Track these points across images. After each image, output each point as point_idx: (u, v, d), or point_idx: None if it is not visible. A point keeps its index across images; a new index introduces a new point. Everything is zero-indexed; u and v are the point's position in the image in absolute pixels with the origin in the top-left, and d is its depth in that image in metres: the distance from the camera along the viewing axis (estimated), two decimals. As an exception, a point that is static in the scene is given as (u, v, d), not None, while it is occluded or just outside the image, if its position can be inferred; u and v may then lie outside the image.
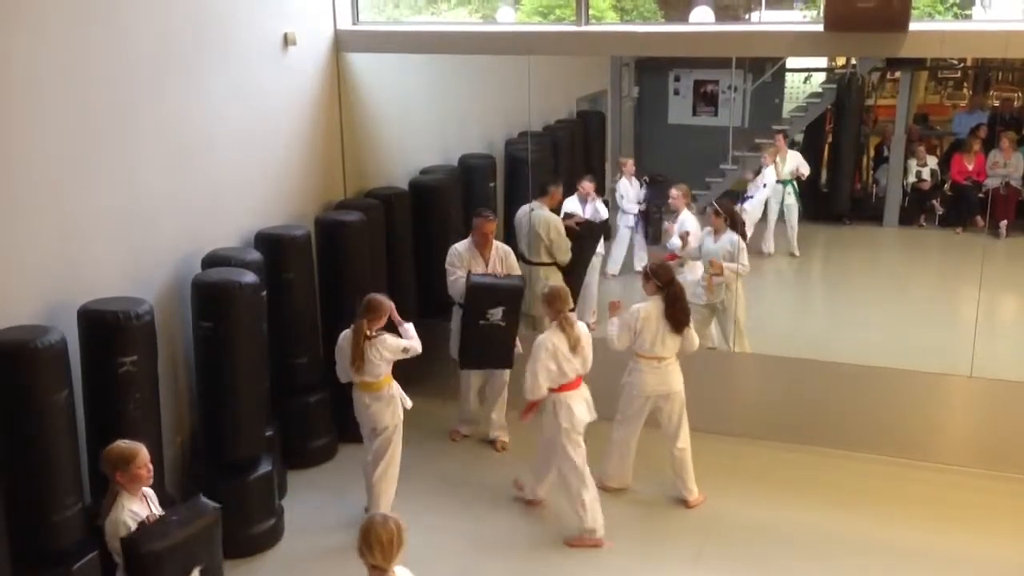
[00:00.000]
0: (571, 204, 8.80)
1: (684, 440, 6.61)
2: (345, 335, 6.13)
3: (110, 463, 4.42)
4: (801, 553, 6.11)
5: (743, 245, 7.92)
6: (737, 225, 7.99)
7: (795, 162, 9.92)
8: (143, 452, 4.46)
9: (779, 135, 9.89)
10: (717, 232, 7.96)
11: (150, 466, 4.49)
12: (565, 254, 8.08)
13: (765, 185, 9.61)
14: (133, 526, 4.37)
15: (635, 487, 6.83)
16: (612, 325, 6.46)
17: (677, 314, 6.36)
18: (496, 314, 6.96)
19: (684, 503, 6.65)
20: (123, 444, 4.49)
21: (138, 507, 4.44)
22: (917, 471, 7.07)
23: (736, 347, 7.97)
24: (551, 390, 6.08)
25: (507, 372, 7.37)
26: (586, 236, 8.37)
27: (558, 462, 6.18)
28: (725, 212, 7.95)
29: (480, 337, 7.04)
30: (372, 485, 6.24)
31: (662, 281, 6.37)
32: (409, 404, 6.28)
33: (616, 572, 5.98)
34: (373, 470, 6.24)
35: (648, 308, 6.39)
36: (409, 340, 6.19)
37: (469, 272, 7.08)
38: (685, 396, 6.60)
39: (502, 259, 7.30)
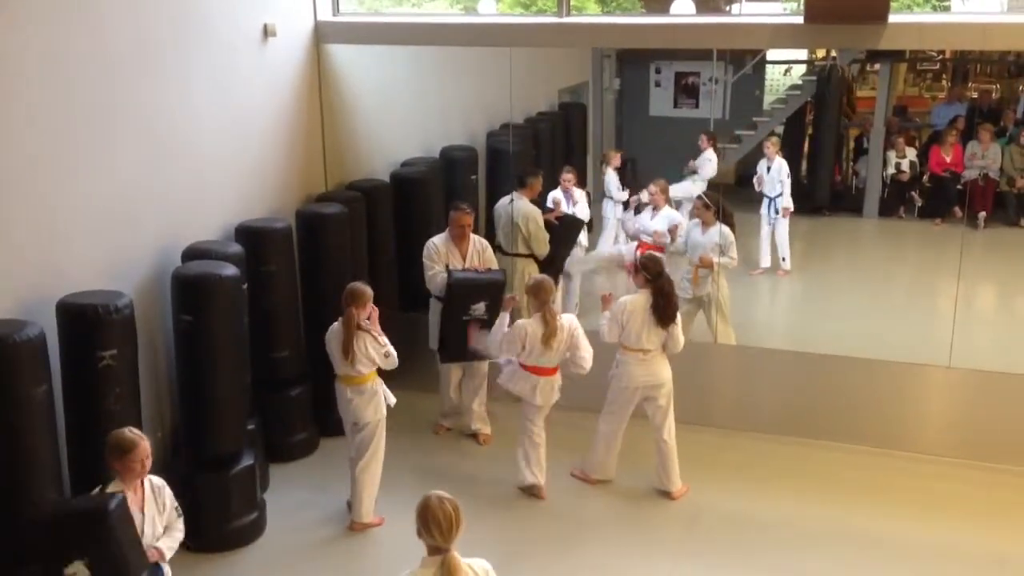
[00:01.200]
0: (554, 196, 8.79)
1: (670, 432, 6.63)
2: (334, 328, 6.10)
3: (110, 449, 4.42)
4: (783, 543, 6.14)
5: (732, 238, 7.92)
6: (727, 217, 8.00)
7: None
8: (143, 446, 4.44)
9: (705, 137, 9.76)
10: (706, 224, 7.97)
11: (146, 461, 4.46)
12: (543, 246, 8.07)
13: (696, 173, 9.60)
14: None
15: (619, 479, 6.85)
16: (603, 319, 6.49)
17: (664, 309, 6.35)
18: (479, 309, 6.95)
19: (667, 495, 6.67)
20: (127, 433, 4.47)
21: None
22: (896, 461, 7.13)
23: (721, 339, 7.99)
24: (525, 368, 6.34)
25: (485, 364, 7.36)
26: (565, 230, 8.35)
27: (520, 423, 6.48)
28: (714, 204, 7.97)
29: (462, 332, 7.04)
30: (354, 479, 6.25)
31: (651, 273, 6.37)
32: (393, 401, 6.26)
33: (600, 564, 5.99)
34: (356, 465, 6.23)
35: (635, 300, 6.41)
36: (391, 348, 6.13)
37: (448, 268, 7.06)
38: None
39: (479, 252, 7.28)
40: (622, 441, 6.77)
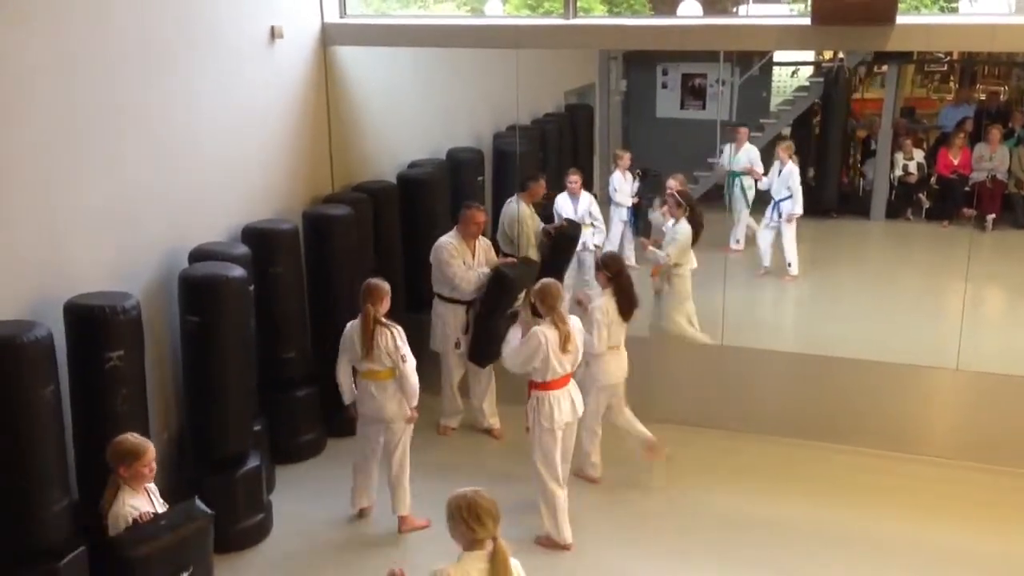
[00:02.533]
0: (561, 201, 8.78)
1: (628, 410, 6.77)
2: (352, 324, 6.07)
3: (116, 456, 4.42)
4: (789, 546, 6.13)
5: (680, 237, 7.89)
6: (694, 217, 8.00)
7: (748, 157, 9.81)
8: (150, 451, 4.47)
9: (741, 128, 9.80)
10: (673, 219, 8.02)
11: (153, 465, 4.49)
12: (522, 251, 8.05)
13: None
14: (131, 520, 4.37)
15: (620, 482, 6.83)
16: (585, 333, 6.42)
17: (626, 305, 6.50)
18: (519, 300, 6.99)
19: (650, 447, 6.74)
20: (132, 439, 4.48)
21: (138, 502, 4.44)
22: (904, 464, 7.10)
23: (673, 329, 8.03)
24: (536, 386, 6.06)
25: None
26: (561, 241, 8.25)
27: (533, 458, 6.14)
28: (686, 203, 8.01)
29: (499, 330, 6.95)
30: (392, 483, 6.21)
31: (611, 271, 6.49)
32: (413, 402, 6.20)
33: (601, 565, 5.99)
34: (390, 465, 6.19)
35: (607, 301, 6.50)
36: (411, 368, 6.04)
37: (496, 267, 7.12)
38: (673, 388, 6.65)
39: (485, 251, 7.32)
40: (618, 447, 6.78)
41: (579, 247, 8.73)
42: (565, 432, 6.13)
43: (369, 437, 6.27)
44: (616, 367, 6.63)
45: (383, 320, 5.98)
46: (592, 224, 8.84)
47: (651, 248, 8.08)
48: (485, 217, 7.31)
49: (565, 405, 6.06)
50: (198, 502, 4.72)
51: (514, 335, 6.19)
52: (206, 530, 4.67)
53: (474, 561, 3.72)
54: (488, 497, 3.80)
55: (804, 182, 9.95)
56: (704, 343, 7.94)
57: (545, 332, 5.95)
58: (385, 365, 6.00)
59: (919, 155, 10.29)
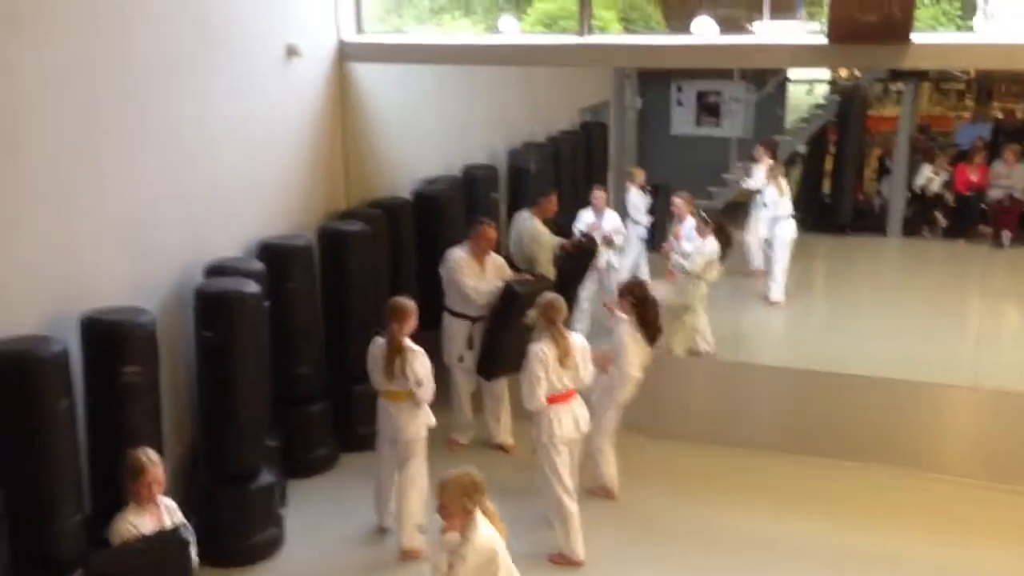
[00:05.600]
0: (586, 216, 8.79)
1: None
2: (377, 342, 6.07)
3: (124, 471, 4.44)
4: (803, 564, 6.08)
5: (709, 251, 7.95)
6: (722, 236, 8.06)
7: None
8: (151, 471, 4.42)
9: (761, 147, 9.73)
10: (701, 237, 8.05)
11: (155, 486, 4.44)
12: (545, 268, 8.05)
13: (766, 205, 9.52)
14: (126, 536, 4.35)
15: (632, 501, 6.80)
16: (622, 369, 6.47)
17: (651, 329, 6.45)
18: (530, 317, 6.93)
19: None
20: (139, 457, 4.45)
21: (138, 519, 4.40)
22: (920, 482, 7.05)
23: (677, 348, 8.04)
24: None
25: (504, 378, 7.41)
26: (576, 258, 8.18)
27: (539, 473, 6.12)
28: (714, 223, 8.05)
29: (505, 345, 7.04)
30: (398, 499, 6.17)
31: (636, 298, 6.44)
32: (433, 422, 6.17)
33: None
34: (399, 485, 6.16)
35: (631, 333, 6.45)
36: (427, 382, 6.02)
37: (507, 283, 7.11)
38: (685, 405, 6.62)
39: (498, 268, 7.30)
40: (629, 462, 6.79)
41: (604, 265, 8.77)
42: (570, 447, 6.11)
43: (387, 456, 6.27)
44: (632, 392, 6.62)
45: (407, 345, 5.95)
46: (611, 243, 8.83)
47: (674, 255, 8.06)
48: (496, 234, 7.31)
49: (566, 421, 6.02)
50: (183, 528, 4.47)
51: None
52: (179, 556, 4.39)
53: (481, 525, 4.11)
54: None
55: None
56: (704, 350, 7.92)
57: (543, 348, 5.94)
58: (404, 387, 6.00)
59: (945, 173, 10.24)
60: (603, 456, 6.76)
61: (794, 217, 9.40)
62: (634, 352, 6.45)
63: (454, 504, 4.10)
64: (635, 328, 6.45)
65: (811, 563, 6.10)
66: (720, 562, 6.15)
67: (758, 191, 9.56)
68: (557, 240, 8.22)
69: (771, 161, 9.47)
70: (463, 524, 4.14)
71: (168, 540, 4.37)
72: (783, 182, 9.50)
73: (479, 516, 4.13)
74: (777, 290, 9.38)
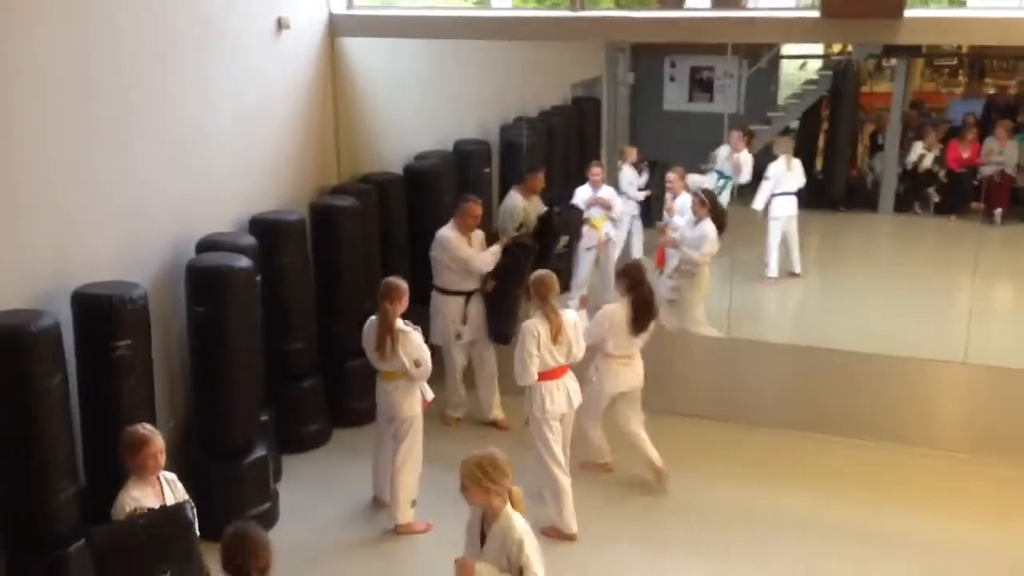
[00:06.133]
0: (583, 192, 8.77)
1: (640, 422, 6.69)
2: (371, 321, 6.07)
3: (123, 446, 4.43)
4: (797, 539, 6.13)
5: (712, 236, 7.94)
6: (717, 215, 8.04)
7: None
8: (154, 442, 4.43)
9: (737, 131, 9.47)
10: (698, 220, 8.03)
11: (159, 456, 4.45)
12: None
13: (767, 178, 9.47)
14: (128, 511, 4.35)
15: (628, 479, 6.83)
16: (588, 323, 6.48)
17: (641, 318, 6.42)
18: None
19: (658, 475, 6.65)
20: (139, 430, 4.46)
21: (140, 493, 4.40)
22: (911, 457, 7.09)
23: (689, 326, 8.07)
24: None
25: (493, 352, 7.46)
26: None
27: (535, 448, 6.14)
28: (709, 201, 8.00)
29: (513, 306, 7.24)
30: (392, 475, 6.18)
31: (632, 280, 6.44)
32: (431, 396, 6.22)
33: (611, 561, 5.99)
34: (393, 461, 6.17)
35: (618, 309, 6.45)
36: (424, 356, 6.02)
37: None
38: (680, 381, 6.62)
39: (480, 244, 7.35)
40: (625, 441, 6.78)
41: (604, 239, 8.81)
42: (562, 422, 6.14)
43: (385, 432, 6.28)
44: (627, 375, 6.56)
45: (400, 325, 5.95)
46: (609, 207, 8.83)
47: (686, 250, 8.04)
48: (481, 210, 7.32)
49: (559, 396, 6.05)
50: (188, 506, 4.46)
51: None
52: (185, 534, 4.37)
53: (514, 518, 4.10)
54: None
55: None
56: (713, 336, 7.95)
57: (537, 325, 5.96)
58: (397, 367, 5.99)
59: (937, 149, 10.23)
60: (593, 431, 6.79)
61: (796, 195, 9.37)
62: (620, 333, 6.43)
63: (468, 480, 4.12)
64: (626, 309, 6.44)
65: (805, 537, 6.14)
66: (715, 536, 6.19)
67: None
68: (531, 219, 8.15)
69: (745, 149, 9.38)
70: (488, 504, 4.13)
71: (173, 516, 4.35)
72: (793, 159, 9.46)
73: (508, 506, 4.12)
74: (771, 266, 9.39)
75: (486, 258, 7.25)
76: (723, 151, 9.41)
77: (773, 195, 9.34)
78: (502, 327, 7.37)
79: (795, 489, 6.70)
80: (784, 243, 9.45)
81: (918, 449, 7.15)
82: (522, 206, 8.18)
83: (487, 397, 7.57)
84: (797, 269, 9.53)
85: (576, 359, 6.17)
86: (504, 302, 7.33)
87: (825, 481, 6.80)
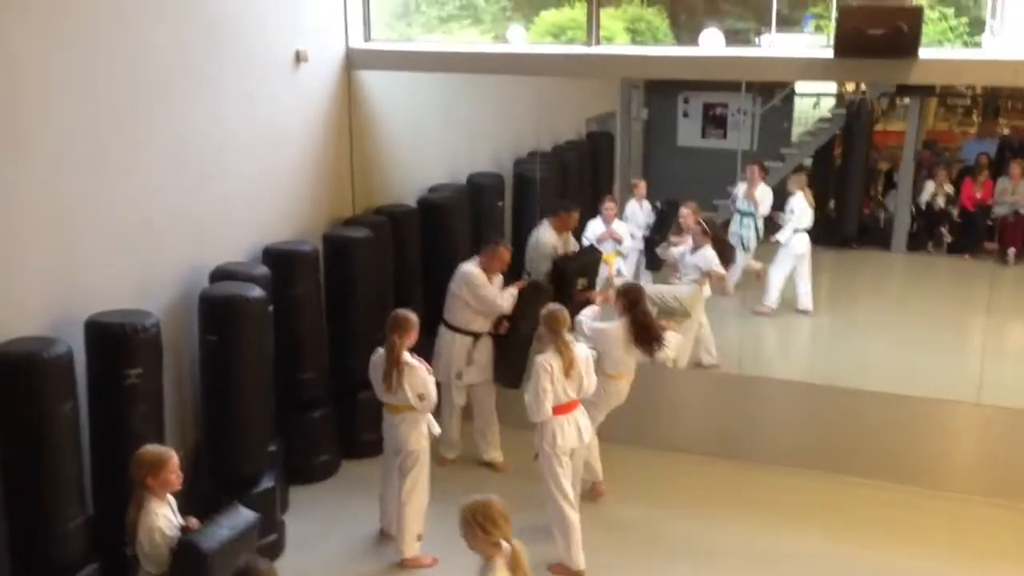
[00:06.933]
0: (594, 226, 8.79)
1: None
2: (379, 354, 6.06)
3: (142, 467, 4.43)
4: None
5: (714, 264, 8.00)
6: (720, 245, 8.11)
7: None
8: (175, 457, 4.51)
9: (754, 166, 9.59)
10: (696, 247, 8.07)
11: (179, 472, 4.51)
12: (539, 276, 8.02)
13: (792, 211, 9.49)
14: (168, 531, 4.40)
15: (634, 516, 6.79)
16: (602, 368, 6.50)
17: (644, 339, 6.43)
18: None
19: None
20: (155, 448, 4.54)
21: (164, 511, 4.45)
22: (922, 499, 7.02)
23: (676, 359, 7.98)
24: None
25: (494, 395, 7.38)
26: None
27: (544, 483, 6.11)
28: (712, 231, 8.07)
29: (524, 349, 7.13)
30: (399, 509, 6.15)
31: (628, 300, 6.48)
32: (437, 430, 6.19)
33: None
34: (399, 494, 6.14)
35: (615, 328, 6.49)
36: (430, 390, 6.01)
37: (528, 276, 7.24)
38: (690, 417, 6.60)
39: (499, 286, 7.23)
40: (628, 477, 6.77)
41: (615, 273, 8.79)
42: (572, 457, 6.12)
43: (392, 465, 6.26)
44: (619, 395, 6.66)
45: (407, 358, 5.94)
46: (620, 252, 8.86)
47: (683, 270, 8.11)
48: (510, 256, 7.26)
49: (570, 431, 6.03)
50: (241, 507, 4.83)
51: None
52: (255, 532, 4.81)
53: (499, 571, 3.98)
54: (498, 499, 4.07)
55: (824, 213, 9.92)
56: (712, 364, 7.93)
57: (549, 360, 5.96)
58: (402, 400, 5.98)
59: (949, 188, 10.24)
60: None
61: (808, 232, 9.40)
62: (616, 351, 6.46)
63: (463, 526, 4.04)
64: (626, 330, 6.45)
65: (810, 577, 6.09)
66: (721, 575, 6.13)
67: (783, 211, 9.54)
68: (558, 255, 8.09)
69: (763, 183, 9.43)
70: (480, 551, 4.05)
71: (243, 517, 4.72)
72: (809, 194, 9.50)
73: (494, 563, 4.00)
74: (772, 297, 9.39)
75: (508, 300, 7.14)
76: (740, 189, 9.44)
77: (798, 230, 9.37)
78: (510, 371, 7.25)
79: (803, 529, 6.63)
80: (793, 278, 9.43)
81: (928, 491, 7.07)
82: (552, 243, 8.00)
83: (485, 438, 7.47)
84: (809, 306, 9.51)
85: (587, 393, 6.15)
86: (515, 344, 7.22)
87: (834, 521, 6.73)
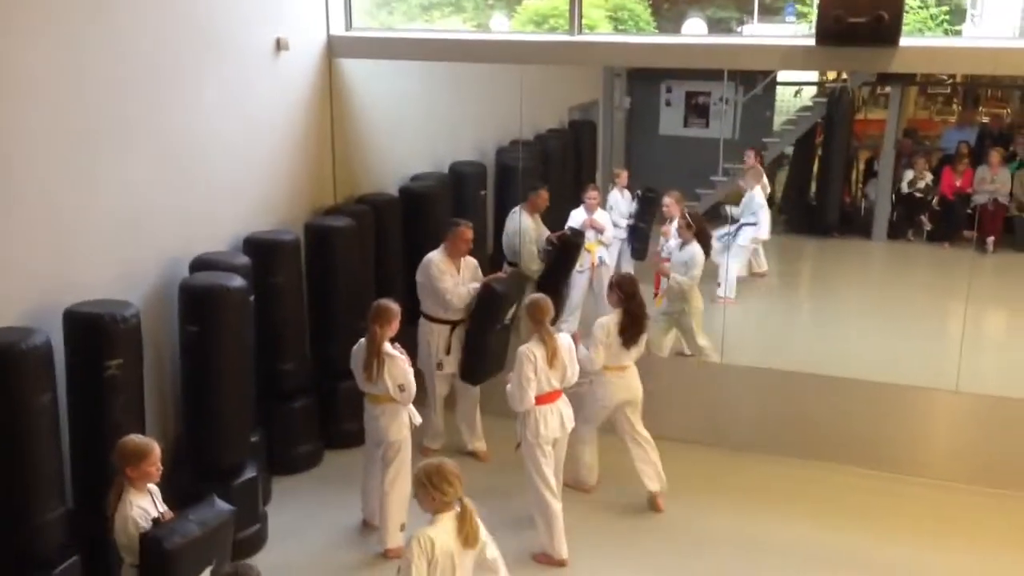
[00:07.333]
0: (577, 215, 8.79)
1: (642, 429, 6.70)
2: (360, 344, 6.05)
3: (123, 457, 4.43)
4: (787, 567, 6.10)
5: (700, 259, 8.00)
6: (703, 238, 8.10)
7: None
8: (156, 450, 4.50)
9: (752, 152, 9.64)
10: (684, 242, 8.06)
11: (160, 464, 4.50)
12: (529, 263, 8.08)
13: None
14: (142, 522, 4.38)
15: (619, 502, 6.81)
16: (583, 348, 6.48)
17: (631, 331, 6.46)
18: (510, 315, 7.03)
19: (655, 503, 6.70)
20: (138, 439, 4.52)
21: (145, 503, 4.45)
22: (901, 485, 7.08)
23: (695, 351, 8.15)
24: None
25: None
26: (563, 250, 8.26)
27: (526, 472, 6.12)
28: (696, 224, 8.04)
29: (491, 346, 7.05)
30: (381, 499, 6.15)
31: (624, 293, 6.47)
32: (418, 420, 6.19)
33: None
34: (382, 485, 6.14)
35: (612, 320, 6.48)
36: (408, 381, 6.01)
37: (485, 282, 7.09)
38: (671, 405, 6.61)
39: (472, 270, 7.23)
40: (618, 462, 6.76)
41: (598, 262, 8.80)
42: (555, 447, 6.13)
43: (374, 456, 6.26)
44: (622, 388, 6.59)
45: (388, 350, 5.93)
46: (602, 231, 8.85)
47: (674, 276, 8.07)
48: (472, 235, 7.23)
49: (552, 420, 6.04)
50: (217, 500, 4.77)
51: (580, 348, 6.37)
52: (229, 526, 4.74)
53: (446, 522, 4.15)
54: (450, 461, 4.26)
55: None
56: (714, 360, 7.97)
57: (532, 349, 5.96)
58: (384, 390, 5.98)
59: (928, 177, 10.29)
60: (585, 447, 6.78)
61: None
62: (606, 344, 6.47)
63: (415, 485, 4.24)
64: (619, 321, 6.45)
65: (797, 564, 6.12)
66: (706, 562, 6.17)
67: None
68: (544, 233, 8.24)
69: (758, 165, 9.49)
70: (432, 509, 4.19)
71: (217, 510, 4.67)
72: (767, 187, 9.58)
73: (441, 516, 4.16)
74: (733, 287, 9.43)
75: (461, 293, 7.07)
76: (746, 198, 9.47)
77: (746, 224, 9.41)
78: (469, 366, 7.20)
79: (787, 515, 6.67)
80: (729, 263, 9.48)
81: (910, 477, 7.14)
82: (531, 225, 8.21)
83: (468, 428, 7.47)
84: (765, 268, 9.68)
85: (570, 383, 6.17)
86: (473, 342, 7.15)
87: (815, 508, 6.78)
